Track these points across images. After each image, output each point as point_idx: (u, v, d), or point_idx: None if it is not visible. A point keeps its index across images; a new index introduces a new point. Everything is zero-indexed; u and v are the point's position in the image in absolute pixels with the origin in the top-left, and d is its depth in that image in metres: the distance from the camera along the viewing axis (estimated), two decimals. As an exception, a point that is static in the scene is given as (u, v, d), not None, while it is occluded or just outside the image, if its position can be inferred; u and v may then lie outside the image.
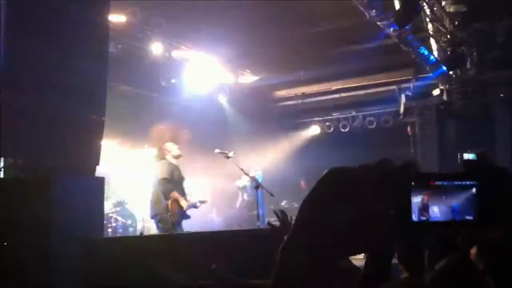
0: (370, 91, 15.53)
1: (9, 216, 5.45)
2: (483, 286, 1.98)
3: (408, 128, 15.25)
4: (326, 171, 0.86)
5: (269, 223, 3.83)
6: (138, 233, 10.80)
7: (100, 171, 6.72)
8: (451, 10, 11.92)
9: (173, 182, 8.91)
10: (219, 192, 13.60)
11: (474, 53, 13.52)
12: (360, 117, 16.10)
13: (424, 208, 0.94)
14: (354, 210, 0.81)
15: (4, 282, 5.24)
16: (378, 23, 10.60)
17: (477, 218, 0.95)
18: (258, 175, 12.58)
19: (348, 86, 15.73)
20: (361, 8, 10.05)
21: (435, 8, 11.62)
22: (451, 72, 13.66)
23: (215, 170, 12.17)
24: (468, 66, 13.69)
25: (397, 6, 10.11)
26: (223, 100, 15.19)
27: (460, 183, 0.97)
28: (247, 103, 15.79)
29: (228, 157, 9.14)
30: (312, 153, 15.31)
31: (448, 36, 12.42)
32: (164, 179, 8.79)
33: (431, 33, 12.43)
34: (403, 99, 14.89)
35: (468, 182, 0.97)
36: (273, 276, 0.84)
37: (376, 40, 11.68)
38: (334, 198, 0.82)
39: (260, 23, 11.38)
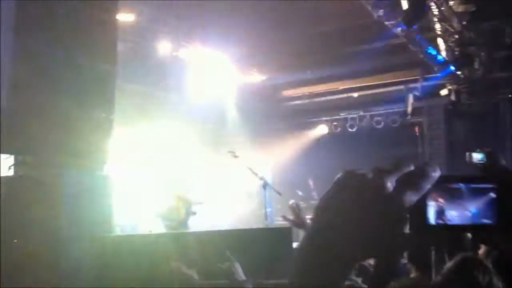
0: (377, 91, 15.49)
1: (19, 213, 5.49)
2: (491, 286, 1.99)
3: (416, 128, 15.19)
4: (341, 172, 0.85)
5: (284, 218, 3.86)
6: (147, 232, 10.82)
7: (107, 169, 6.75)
8: (459, 9, 11.87)
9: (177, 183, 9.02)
10: (226, 192, 13.62)
11: (482, 53, 13.46)
12: (368, 116, 16.03)
13: (441, 212, 0.92)
14: (370, 213, 0.80)
15: (13, 280, 5.27)
16: (386, 22, 10.59)
17: (497, 222, 0.92)
18: (267, 175, 12.58)
19: (355, 85, 15.70)
20: (369, 8, 10.04)
21: (443, 8, 11.57)
22: (459, 72, 13.61)
23: (222, 169, 12.19)
24: (476, 66, 13.63)
25: (404, 6, 10.09)
26: (230, 99, 15.19)
27: (478, 186, 0.94)
28: (255, 102, 15.79)
29: (236, 157, 9.15)
30: (320, 153, 15.30)
31: (456, 36, 12.37)
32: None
33: (439, 32, 12.38)
34: (411, 99, 14.84)
35: (486, 185, 0.94)
36: (290, 277, 0.84)
37: (384, 39, 11.65)
38: (350, 199, 0.82)
39: (268, 23, 11.38)
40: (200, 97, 13.49)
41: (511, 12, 11.88)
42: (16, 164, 6.14)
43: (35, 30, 5.89)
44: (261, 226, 9.69)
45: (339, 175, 0.85)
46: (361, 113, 16.17)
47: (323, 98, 16.43)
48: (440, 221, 0.92)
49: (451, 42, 12.63)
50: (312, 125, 17.13)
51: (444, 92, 14.52)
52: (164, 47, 11.69)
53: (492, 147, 8.47)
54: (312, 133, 17.06)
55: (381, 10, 10.16)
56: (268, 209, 9.99)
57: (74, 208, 5.68)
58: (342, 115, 16.58)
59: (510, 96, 13.63)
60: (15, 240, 5.46)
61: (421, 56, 12.44)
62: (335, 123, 16.63)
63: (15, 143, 5.69)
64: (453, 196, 0.94)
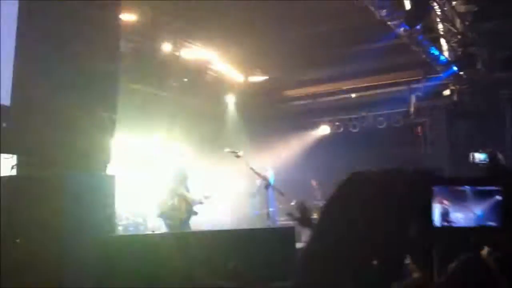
0: (380, 91, 15.48)
1: (22, 213, 5.49)
2: (495, 286, 1.99)
3: (418, 128, 15.19)
4: (349, 173, 0.84)
5: (291, 215, 3.86)
6: (149, 231, 10.84)
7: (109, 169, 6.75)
8: (462, 10, 11.86)
9: (177, 181, 9.00)
10: (228, 191, 13.62)
11: (485, 53, 13.45)
12: (370, 117, 16.02)
13: (446, 213, 0.91)
14: (377, 214, 0.80)
15: (16, 280, 5.27)
16: (389, 23, 10.58)
17: (502, 224, 0.91)
18: (270, 175, 12.57)
19: (358, 86, 15.70)
20: (371, 8, 10.04)
21: (445, 8, 11.56)
22: (461, 72, 13.60)
23: (224, 169, 12.19)
24: (478, 66, 13.62)
25: (407, 6, 10.08)
26: (233, 99, 15.19)
27: (483, 188, 0.93)
28: (257, 102, 15.78)
29: (237, 156, 9.15)
30: (323, 153, 15.30)
31: (459, 36, 12.37)
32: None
33: (442, 33, 12.38)
34: (413, 99, 14.83)
35: (492, 188, 0.93)
36: (295, 282, 0.84)
37: (386, 39, 11.65)
38: (358, 200, 0.81)
39: (271, 23, 11.38)
40: (203, 97, 13.50)
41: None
42: (19, 164, 6.14)
43: (38, 31, 5.89)
44: (263, 226, 9.70)
45: (347, 175, 0.84)
46: (364, 114, 16.17)
47: (325, 99, 16.43)
48: (445, 223, 0.91)
49: (453, 43, 12.62)
50: (314, 125, 17.13)
51: (446, 92, 14.52)
52: (166, 47, 11.69)
53: (494, 147, 8.47)
54: (315, 133, 17.06)
55: (384, 10, 10.16)
56: (271, 209, 10.00)
57: (76, 208, 5.67)
58: (345, 115, 16.57)
59: (512, 96, 13.63)
60: (17, 240, 5.46)
61: (424, 56, 12.44)
62: (337, 123, 16.63)
63: (17, 143, 5.69)
64: (458, 198, 0.93)
